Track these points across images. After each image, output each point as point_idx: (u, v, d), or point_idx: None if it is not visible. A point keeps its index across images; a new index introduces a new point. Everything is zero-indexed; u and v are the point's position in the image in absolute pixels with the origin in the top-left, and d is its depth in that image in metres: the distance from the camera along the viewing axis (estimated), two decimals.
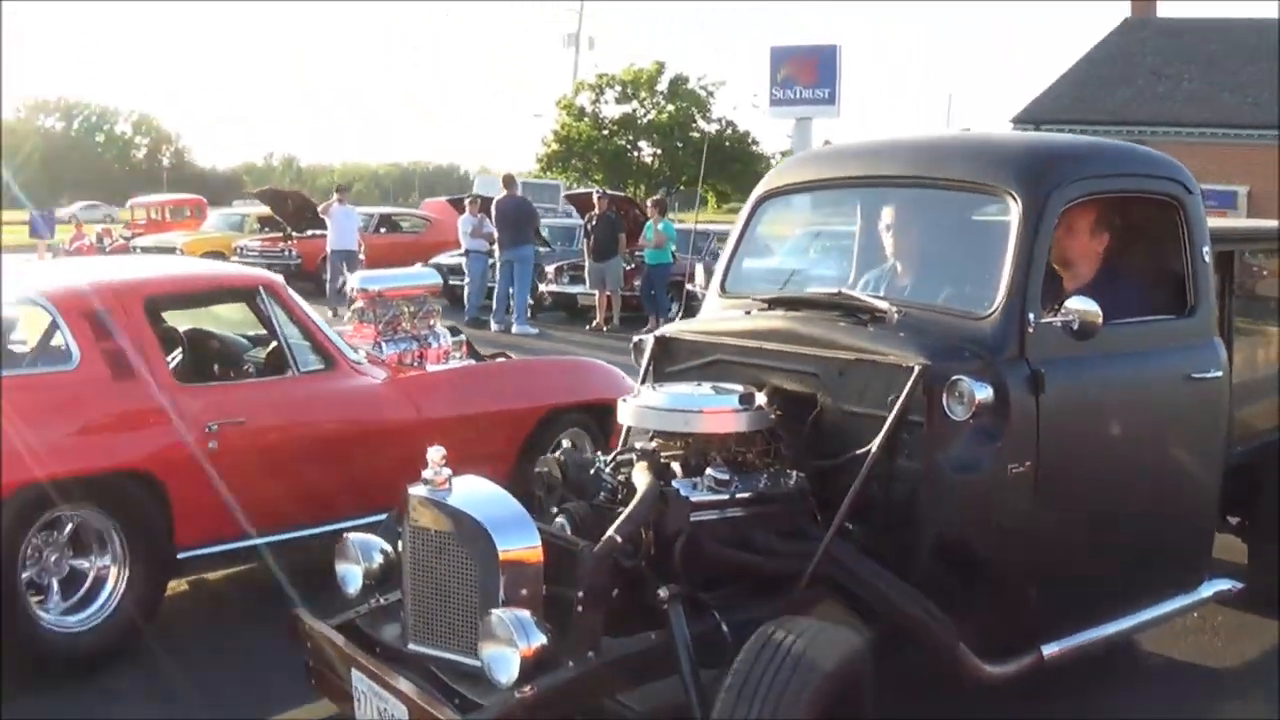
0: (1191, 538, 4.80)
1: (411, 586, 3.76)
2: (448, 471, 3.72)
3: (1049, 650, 4.30)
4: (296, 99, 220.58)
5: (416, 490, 3.74)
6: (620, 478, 4.18)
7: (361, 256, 18.98)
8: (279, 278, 6.32)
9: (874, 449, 4.01)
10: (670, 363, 4.93)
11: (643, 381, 4.96)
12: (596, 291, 18.36)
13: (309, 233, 23.44)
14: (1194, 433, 4.70)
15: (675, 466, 4.23)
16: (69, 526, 5.02)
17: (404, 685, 3.52)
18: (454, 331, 7.82)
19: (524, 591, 3.57)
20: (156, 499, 5.15)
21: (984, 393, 3.93)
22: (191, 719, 4.74)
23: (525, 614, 3.41)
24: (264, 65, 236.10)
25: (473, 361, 7.41)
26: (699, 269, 5.76)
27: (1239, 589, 4.98)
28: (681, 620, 3.65)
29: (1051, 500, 4.16)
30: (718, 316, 5.05)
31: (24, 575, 4.87)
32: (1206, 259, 4.74)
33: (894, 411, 4.00)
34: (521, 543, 3.60)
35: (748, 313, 4.89)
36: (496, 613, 3.42)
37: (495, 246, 17.71)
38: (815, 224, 5.85)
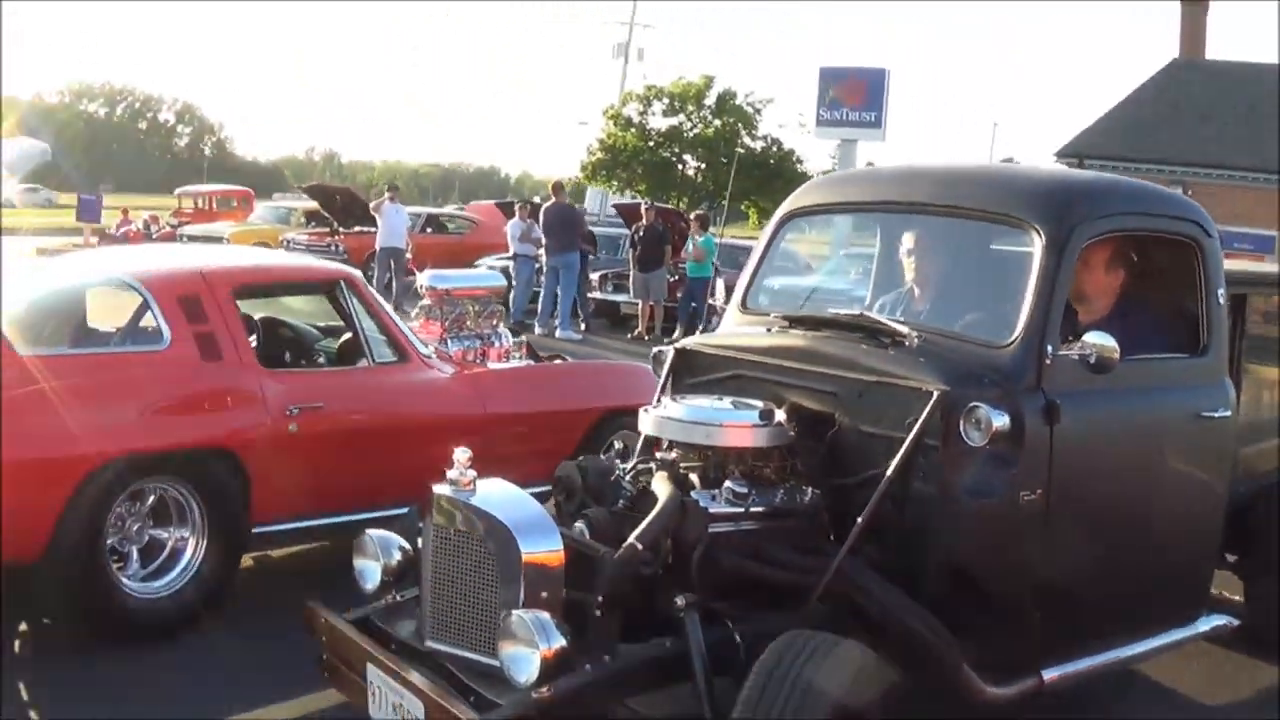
0: (1192, 573, 4.87)
1: (431, 584, 3.81)
2: (473, 473, 3.78)
3: (1049, 674, 4.36)
4: (341, 94, 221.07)
5: (441, 489, 3.79)
6: (639, 486, 4.24)
7: (409, 255, 19.30)
8: (358, 272, 6.58)
9: (890, 470, 4.08)
10: (690, 375, 4.99)
11: (661, 392, 5.03)
12: (640, 301, 18.66)
13: (355, 229, 23.73)
14: (1200, 470, 4.78)
15: (693, 478, 4.29)
16: (151, 498, 5.24)
17: (420, 681, 3.58)
18: (514, 333, 8.16)
19: (544, 594, 3.62)
20: (237, 476, 5.39)
21: (1001, 420, 4.00)
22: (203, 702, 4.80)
23: (545, 616, 3.47)
24: (311, 59, 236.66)
25: (532, 362, 7.63)
26: (719, 284, 5.85)
27: (1235, 625, 5.05)
28: (698, 628, 3.71)
29: (1060, 528, 4.22)
30: (738, 332, 5.12)
31: (108, 542, 5.09)
32: (1221, 301, 4.81)
33: (912, 434, 4.07)
34: (544, 546, 3.66)
35: (769, 330, 4.96)
36: (517, 613, 3.47)
37: (542, 252, 17.98)
38: (838, 245, 5.92)
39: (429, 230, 25.67)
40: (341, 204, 24.76)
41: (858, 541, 4.06)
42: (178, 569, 5.32)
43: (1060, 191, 4.67)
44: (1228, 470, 4.89)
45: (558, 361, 7.90)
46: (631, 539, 3.76)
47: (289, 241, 24.52)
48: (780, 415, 4.36)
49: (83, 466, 4.92)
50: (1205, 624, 4.93)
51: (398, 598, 4.14)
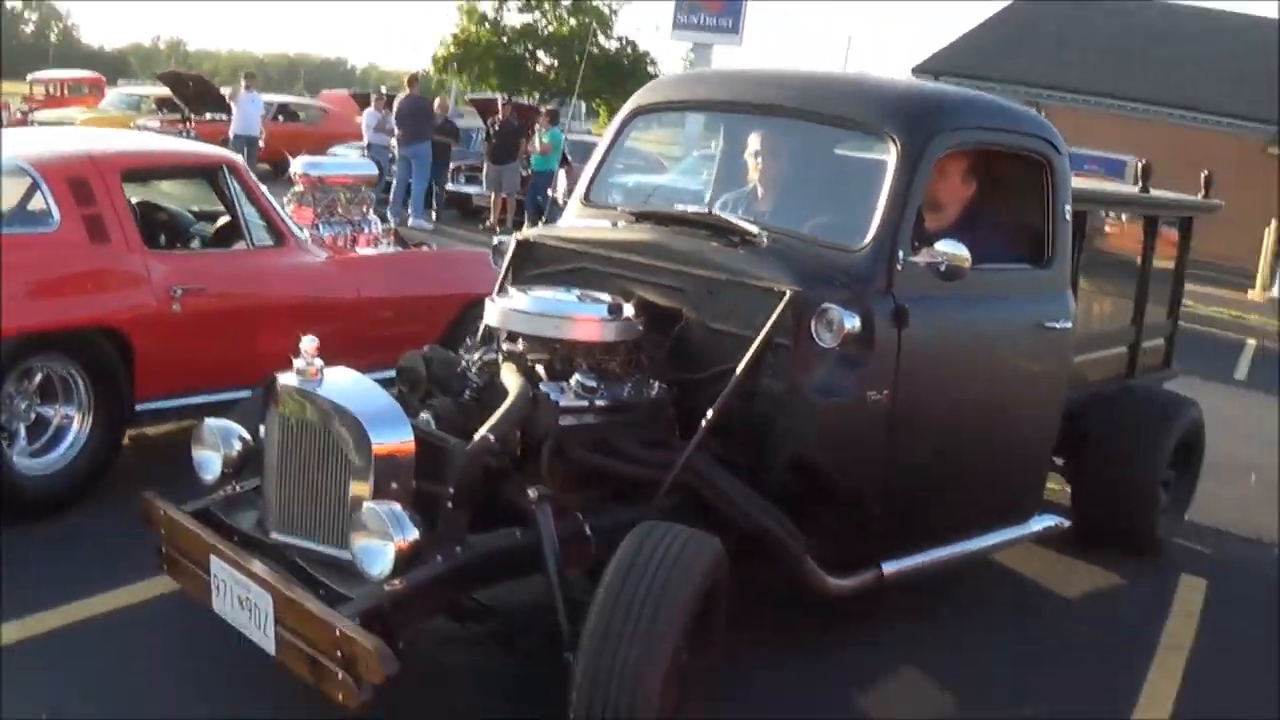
0: (1028, 474, 5.06)
1: (277, 476, 3.70)
2: (320, 362, 3.67)
3: (889, 568, 4.49)
4: None
5: (287, 380, 3.67)
6: (485, 378, 4.18)
7: (262, 144, 19.52)
8: (240, 158, 6.65)
9: (741, 367, 4.10)
10: (532, 266, 4.93)
11: (502, 283, 4.96)
12: (492, 193, 18.96)
13: (208, 116, 23.33)
14: (1040, 378, 4.93)
15: (540, 370, 4.26)
16: (38, 376, 5.31)
17: (267, 573, 3.49)
18: (382, 219, 8.14)
19: (394, 485, 3.56)
20: (122, 354, 5.48)
21: (852, 322, 4.04)
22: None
23: (398, 507, 3.40)
24: None
25: (400, 249, 7.72)
26: (561, 176, 5.79)
27: (1066, 525, 5.26)
28: (549, 520, 3.69)
29: (904, 428, 4.31)
30: (582, 225, 5.06)
31: None
32: (1067, 216, 4.94)
33: (763, 332, 4.09)
34: (395, 437, 3.58)
35: (614, 224, 4.92)
36: (370, 505, 3.40)
37: (394, 141, 18.28)
38: (690, 145, 5.89)
39: (281, 119, 25.31)
40: (194, 91, 24.26)
41: (705, 436, 4.09)
42: (64, 445, 5.39)
43: (918, 101, 4.72)
44: (1066, 379, 5.06)
45: (424, 249, 8.00)
46: (483, 431, 3.70)
47: (140, 128, 23.23)
48: (629, 310, 4.34)
49: None
50: (1038, 524, 5.13)
51: (238, 488, 4.02)
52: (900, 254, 4.28)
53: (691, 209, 4.94)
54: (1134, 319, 6.23)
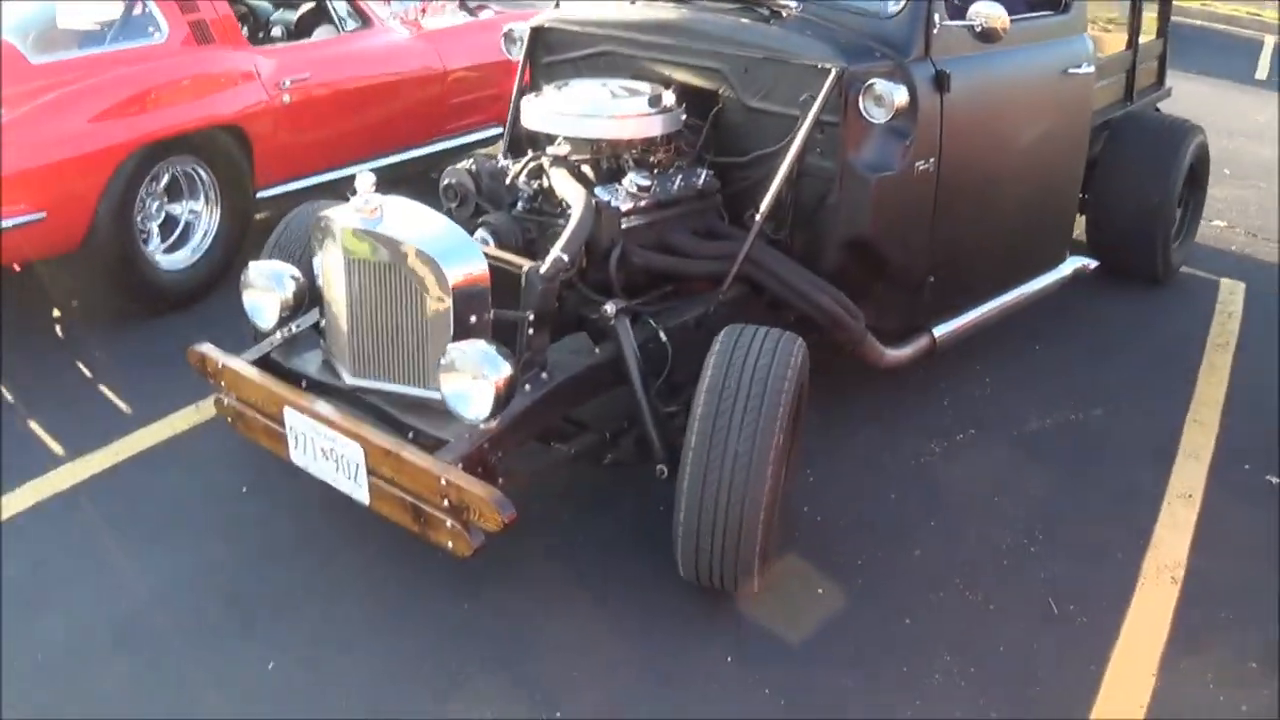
0: (1060, 221, 5.07)
1: (348, 319, 3.54)
2: (379, 198, 3.49)
3: (939, 332, 4.53)
4: None
5: (346, 219, 3.47)
6: (535, 186, 4.04)
7: None
8: None
9: (794, 148, 3.98)
10: (548, 53, 4.72)
11: (522, 75, 4.74)
12: None
13: None
14: (1068, 124, 4.87)
15: (586, 170, 4.12)
16: (165, 177, 5.57)
17: (355, 423, 3.39)
18: None
19: (473, 319, 3.43)
20: (242, 148, 5.82)
21: (901, 95, 3.92)
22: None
23: (488, 345, 3.28)
24: None
25: (466, 15, 7.77)
26: None
27: (1094, 266, 5.29)
28: (630, 334, 3.63)
29: (950, 193, 4.27)
30: (597, 6, 4.79)
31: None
32: None
33: (813, 111, 3.95)
34: (469, 268, 3.42)
35: (632, 2, 4.67)
36: (459, 347, 3.27)
37: None
38: None
39: None
40: None
41: (762, 225, 4.00)
42: (195, 239, 5.74)
43: None
44: (1088, 122, 5.00)
45: (489, 11, 7.98)
46: (556, 251, 3.56)
47: None
48: (669, 98, 4.17)
49: (114, 157, 5.22)
50: (1069, 266, 5.16)
51: (293, 329, 3.87)
52: (936, 17, 4.13)
53: None
54: (1129, 43, 6.12)
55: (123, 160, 5.24)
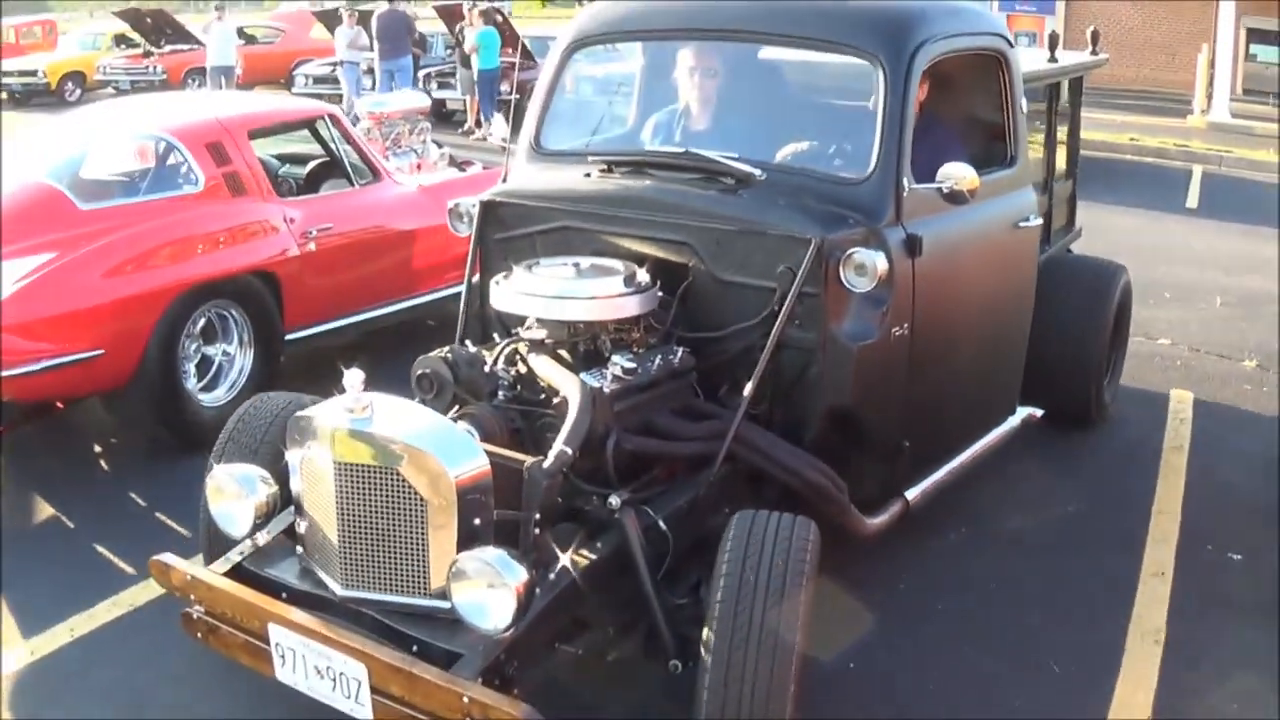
0: (1013, 372, 5.07)
1: (339, 529, 3.28)
2: (369, 396, 3.28)
3: (911, 495, 4.44)
4: None
5: (334, 420, 3.25)
6: (514, 373, 3.87)
7: (238, 71, 19.91)
8: (339, 109, 7.59)
9: (780, 320, 3.90)
10: (499, 229, 4.56)
11: (473, 254, 4.59)
12: (467, 97, 18.67)
13: (168, 48, 24.13)
14: (1019, 276, 4.91)
15: (564, 354, 3.97)
16: (202, 320, 5.93)
17: (357, 639, 3.14)
18: (438, 145, 9.01)
19: (477, 520, 3.23)
20: (273, 293, 6.22)
21: (883, 264, 3.88)
22: None
23: (499, 552, 3.07)
24: None
25: (456, 171, 8.29)
26: (497, 119, 5.34)
27: (1040, 414, 5.31)
28: (637, 529, 3.46)
29: (922, 356, 4.22)
30: (550, 178, 4.65)
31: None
32: (1024, 110, 4.85)
33: (796, 282, 3.88)
34: (470, 466, 3.23)
35: (587, 175, 4.55)
36: (470, 554, 3.08)
37: (368, 56, 18.75)
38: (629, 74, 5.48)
39: (241, 42, 23.87)
40: (153, 24, 24.19)
41: (749, 403, 3.89)
42: (230, 379, 6.12)
43: (895, 18, 4.45)
44: (1035, 273, 5.04)
45: (476, 167, 8.47)
46: (559, 444, 3.39)
47: (105, 67, 24.71)
48: (643, 276, 4.06)
49: (164, 298, 5.63)
50: (1019, 416, 5.16)
51: (268, 534, 3.61)
52: (905, 182, 4.12)
53: (668, 149, 4.63)
54: (1044, 188, 6.25)
55: (171, 301, 5.65)
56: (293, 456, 3.45)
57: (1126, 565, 4.86)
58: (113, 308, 5.46)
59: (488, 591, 3.05)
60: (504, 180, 4.75)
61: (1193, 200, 14.17)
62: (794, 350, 4.02)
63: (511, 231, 4.50)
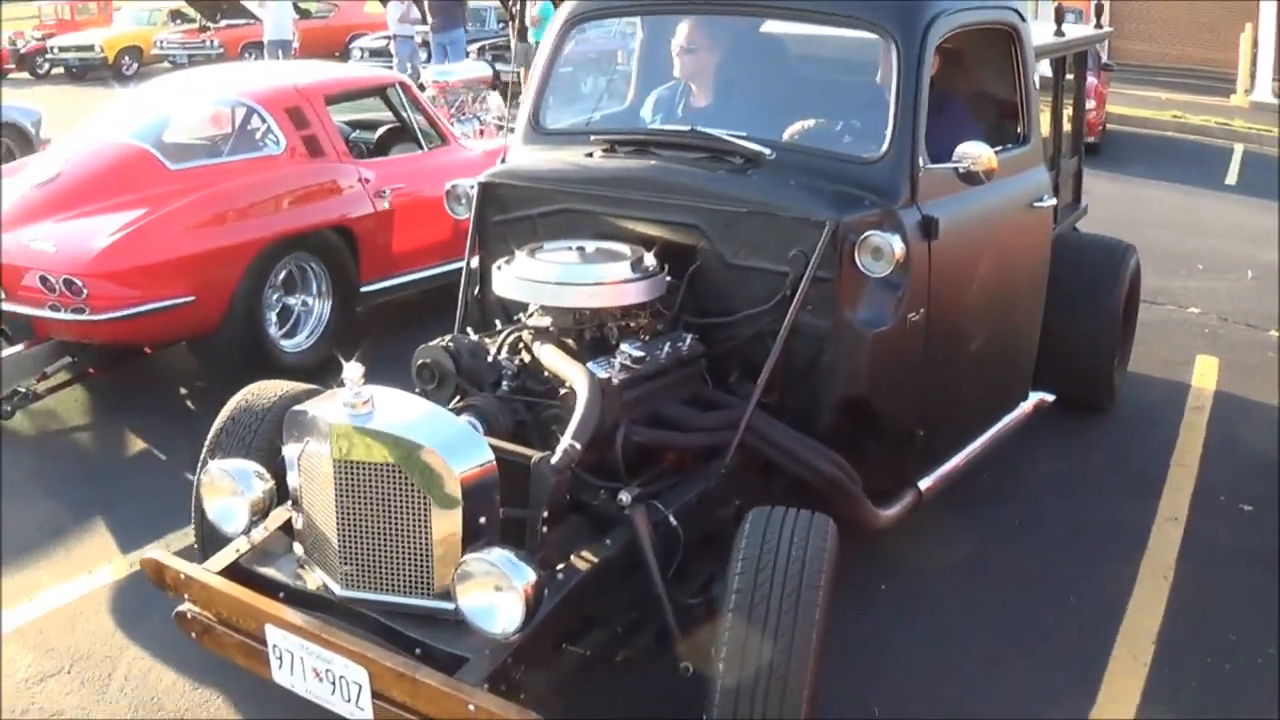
0: (1026, 356, 4.91)
1: (339, 527, 3.12)
2: (370, 390, 3.12)
3: (924, 484, 4.30)
4: None
5: (334, 416, 3.08)
6: (518, 362, 3.71)
7: (295, 45, 19.72)
8: (407, 77, 8.03)
9: (794, 306, 3.74)
10: (498, 212, 4.39)
11: (473, 238, 4.42)
12: (521, 69, 18.09)
13: (223, 23, 24.56)
14: (1034, 257, 4.76)
15: (569, 342, 3.81)
16: (283, 272, 6.34)
17: (359, 643, 2.98)
18: (500, 117, 9.33)
19: (483, 519, 3.08)
20: (350, 247, 6.64)
21: (900, 247, 3.72)
22: None
23: (507, 552, 2.91)
24: None
25: None
26: (494, 97, 5.17)
27: (1051, 399, 5.16)
28: (647, 526, 3.31)
29: (938, 342, 4.08)
30: (551, 158, 4.46)
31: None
32: (1037, 86, 4.68)
33: (810, 268, 3.72)
34: (476, 462, 3.06)
35: (590, 155, 4.36)
36: (476, 555, 2.92)
37: (420, 29, 18.54)
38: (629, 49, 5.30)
39: (296, 16, 23.65)
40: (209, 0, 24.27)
41: (761, 392, 3.74)
42: (309, 327, 6.55)
43: None
44: (1048, 253, 4.88)
45: None
46: (568, 439, 3.22)
47: (162, 42, 25.13)
48: (650, 259, 3.90)
49: (249, 250, 6.02)
50: (1030, 401, 5.01)
51: (265, 530, 3.44)
52: (921, 161, 3.96)
53: (671, 127, 4.45)
54: (1051, 165, 6.05)
55: (256, 254, 6.03)
56: (290, 452, 3.28)
57: (1143, 511, 5.11)
58: (202, 258, 5.86)
59: (495, 594, 2.90)
60: (502, 161, 4.56)
61: (1232, 177, 14.26)
62: (806, 337, 3.86)
63: (511, 214, 4.33)
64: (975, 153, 3.87)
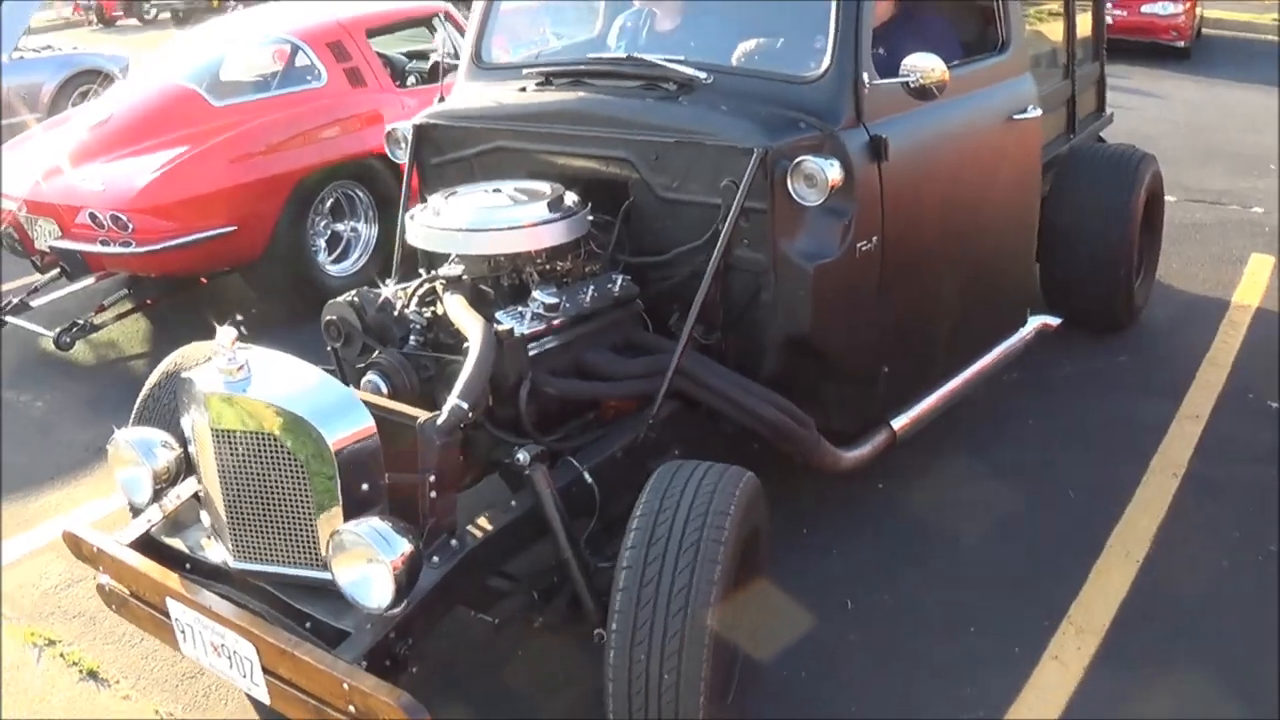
0: (1017, 279, 4.54)
1: (224, 499, 2.97)
2: (244, 355, 2.93)
3: (898, 424, 3.99)
4: None
5: (208, 383, 2.91)
6: (427, 315, 3.48)
7: None
8: (450, 5, 7.83)
9: (721, 242, 3.45)
10: (435, 153, 4.17)
11: (408, 181, 4.19)
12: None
13: None
14: (1018, 175, 4.37)
15: (484, 289, 3.58)
16: (330, 200, 6.51)
17: (245, 617, 2.83)
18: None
19: (365, 486, 2.88)
20: (394, 174, 6.39)
21: (835, 172, 3.39)
22: None
23: (381, 523, 2.72)
24: None
25: None
26: (439, 33, 4.93)
27: (1056, 323, 4.78)
28: (548, 485, 3.07)
29: (897, 271, 3.74)
30: (484, 96, 4.21)
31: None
32: None
33: (736, 199, 3.42)
34: (352, 427, 2.87)
35: (523, 89, 4.10)
36: (348, 526, 2.74)
37: None
38: None
39: None
40: None
41: (689, 335, 3.46)
42: (357, 252, 6.71)
43: None
44: (1039, 170, 4.49)
45: None
46: (454, 398, 3.00)
47: None
48: (572, 198, 3.63)
49: (289, 181, 6.19)
50: (1030, 327, 4.64)
51: (177, 498, 3.28)
52: (865, 77, 3.61)
53: (607, 55, 4.16)
54: (1066, 73, 5.62)
55: (297, 183, 6.20)
56: (185, 421, 3.12)
57: (1165, 408, 4.95)
58: (241, 190, 6.04)
59: (367, 567, 2.71)
60: (439, 100, 4.31)
61: None
62: (744, 273, 3.58)
63: (447, 155, 4.10)
64: (924, 65, 3.50)
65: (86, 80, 11.17)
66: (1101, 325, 5.40)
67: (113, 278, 6.38)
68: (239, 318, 5.67)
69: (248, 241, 6.09)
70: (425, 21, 7.79)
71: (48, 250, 6.15)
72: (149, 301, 6.46)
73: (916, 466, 4.32)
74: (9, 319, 6.16)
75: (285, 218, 6.19)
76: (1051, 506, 4.22)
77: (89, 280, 6.26)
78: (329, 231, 6.54)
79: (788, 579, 3.58)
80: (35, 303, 6.23)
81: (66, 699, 3.54)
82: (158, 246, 5.88)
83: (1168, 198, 6.29)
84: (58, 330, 5.98)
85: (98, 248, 5.93)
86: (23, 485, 4.79)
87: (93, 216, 5.92)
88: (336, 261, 6.58)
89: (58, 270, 6.25)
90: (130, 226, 5.84)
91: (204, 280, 6.51)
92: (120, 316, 6.34)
